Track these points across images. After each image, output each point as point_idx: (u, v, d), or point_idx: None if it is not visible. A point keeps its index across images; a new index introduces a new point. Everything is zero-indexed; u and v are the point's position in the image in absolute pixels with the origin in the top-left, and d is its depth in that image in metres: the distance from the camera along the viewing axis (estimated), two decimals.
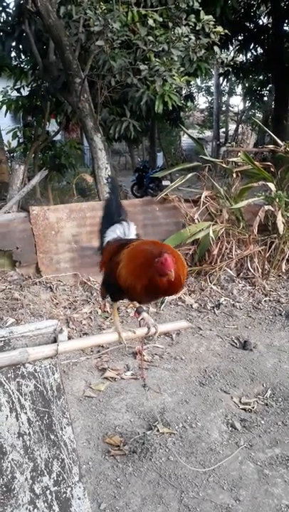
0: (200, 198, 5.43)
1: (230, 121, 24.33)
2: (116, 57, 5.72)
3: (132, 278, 1.56)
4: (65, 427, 1.46)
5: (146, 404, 3.03)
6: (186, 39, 4.74)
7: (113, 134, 7.35)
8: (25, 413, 1.40)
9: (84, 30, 6.00)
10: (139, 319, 1.82)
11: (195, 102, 18.24)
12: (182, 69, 4.91)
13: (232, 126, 23.51)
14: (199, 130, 24.07)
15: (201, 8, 4.98)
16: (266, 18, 11.38)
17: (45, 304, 4.76)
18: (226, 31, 5.22)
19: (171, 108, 6.14)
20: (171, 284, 1.51)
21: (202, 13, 5.16)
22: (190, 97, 13.04)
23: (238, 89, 21.50)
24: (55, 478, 1.41)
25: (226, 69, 7.14)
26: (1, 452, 1.33)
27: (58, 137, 12.25)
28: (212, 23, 5.08)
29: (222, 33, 5.08)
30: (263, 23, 11.49)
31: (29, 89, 8.97)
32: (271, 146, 5.60)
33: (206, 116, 25.04)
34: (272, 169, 5.45)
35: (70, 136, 15.15)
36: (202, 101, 27.12)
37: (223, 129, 23.35)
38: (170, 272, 1.46)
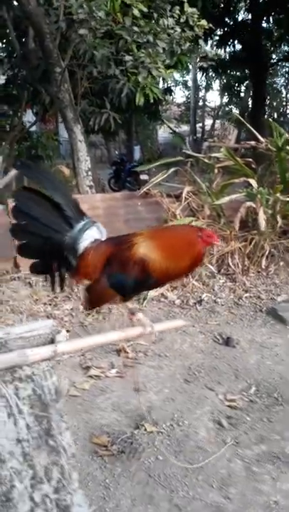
0: (182, 193, 5.41)
1: (207, 116, 24.44)
2: (98, 47, 5.61)
3: (174, 262, 1.60)
4: (63, 432, 1.41)
5: (132, 403, 2.99)
6: (172, 31, 4.68)
7: (93, 126, 7.24)
8: (24, 418, 1.34)
9: (64, 18, 5.86)
10: (134, 319, 1.77)
11: (172, 96, 18.22)
12: (167, 61, 4.86)
13: (208, 122, 23.63)
14: (176, 124, 24.07)
15: (186, 0, 4.92)
16: (245, 14, 11.42)
17: (25, 300, 4.65)
18: (210, 25, 5.18)
19: (152, 101, 6.09)
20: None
21: (186, 5, 5.11)
22: (168, 90, 13.00)
23: (215, 85, 21.64)
24: (55, 486, 1.35)
25: (209, 63, 7.11)
26: None
27: (33, 128, 11.99)
28: (196, 16, 5.04)
29: (206, 27, 5.04)
30: (243, 18, 11.53)
31: (5, 77, 8.72)
32: (252, 143, 5.62)
33: (183, 110, 25.06)
34: (253, 165, 5.48)
35: (46, 127, 14.86)
36: (179, 95, 27.14)
37: (200, 124, 23.45)
38: (217, 239, 1.63)
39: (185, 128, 23.16)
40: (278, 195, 4.99)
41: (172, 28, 4.69)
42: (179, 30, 4.76)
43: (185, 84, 25.40)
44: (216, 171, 5.38)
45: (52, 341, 1.48)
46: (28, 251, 1.75)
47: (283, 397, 3.09)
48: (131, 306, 1.80)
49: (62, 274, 1.81)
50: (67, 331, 4.05)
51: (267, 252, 5.25)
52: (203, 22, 5.03)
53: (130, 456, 2.50)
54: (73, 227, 1.73)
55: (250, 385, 3.26)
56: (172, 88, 16.63)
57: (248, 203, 4.96)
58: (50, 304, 4.59)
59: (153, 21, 4.79)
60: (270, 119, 6.11)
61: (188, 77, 23.04)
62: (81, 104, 6.93)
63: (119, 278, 1.66)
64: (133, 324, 1.78)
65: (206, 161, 5.43)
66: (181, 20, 4.99)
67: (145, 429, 2.71)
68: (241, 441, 2.68)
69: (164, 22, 4.58)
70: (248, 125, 5.47)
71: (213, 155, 5.39)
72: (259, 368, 3.50)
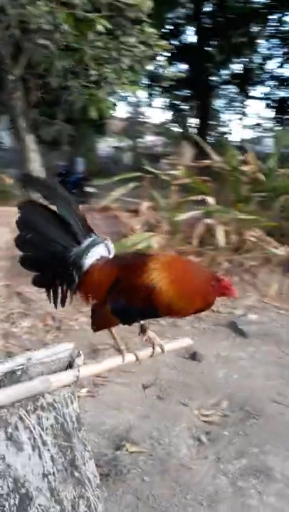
0: (140, 208, 5.44)
1: (149, 132, 24.86)
2: (55, 58, 5.53)
3: (186, 302, 1.56)
4: (87, 461, 1.33)
5: (108, 423, 2.91)
6: (135, 49, 4.74)
7: (44, 137, 7.09)
8: (48, 450, 1.25)
9: (18, 26, 5.71)
10: (144, 339, 1.74)
11: (115, 111, 18.33)
12: (133, 78, 4.90)
13: (151, 138, 24.05)
14: (118, 139, 24.19)
15: (147, 20, 5.01)
16: (191, 36, 11.89)
17: None
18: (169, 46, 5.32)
19: (109, 115, 6.10)
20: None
21: (146, 25, 5.20)
22: (113, 105, 13.07)
23: (157, 102, 22.12)
24: None
25: (168, 84, 7.24)
26: (27, 498, 1.16)
27: None
28: (156, 36, 5.14)
29: (167, 48, 5.16)
30: (189, 41, 11.98)
31: None
32: (208, 161, 5.79)
33: (126, 125, 25.27)
34: (209, 183, 5.65)
35: None
36: (121, 110, 27.33)
37: (141, 139, 23.75)
38: (234, 292, 1.55)
39: (129, 143, 23.37)
40: (236, 212, 5.17)
41: (135, 46, 4.75)
42: (142, 48, 4.83)
43: (126, 99, 25.71)
44: (172, 187, 5.47)
45: (69, 365, 1.40)
46: (32, 263, 1.69)
47: (255, 410, 3.15)
48: (142, 323, 1.76)
49: (65, 290, 1.75)
50: (28, 350, 3.87)
51: (223, 268, 5.40)
52: (163, 42, 5.14)
53: (116, 478, 2.42)
54: (80, 243, 1.68)
55: (222, 400, 3.29)
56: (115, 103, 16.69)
57: (208, 220, 5.08)
58: (6, 321, 4.36)
59: (115, 38, 4.82)
60: (222, 138, 6.33)
61: (130, 93, 23.34)
62: (31, 113, 6.78)
63: (123, 306, 1.61)
64: (145, 341, 1.74)
65: (164, 177, 5.51)
66: (141, 39, 5.07)
67: (127, 450, 2.65)
68: (222, 457, 2.69)
69: (128, 39, 4.63)
70: (205, 144, 5.62)
71: (171, 172, 5.49)
72: (227, 382, 3.56)
